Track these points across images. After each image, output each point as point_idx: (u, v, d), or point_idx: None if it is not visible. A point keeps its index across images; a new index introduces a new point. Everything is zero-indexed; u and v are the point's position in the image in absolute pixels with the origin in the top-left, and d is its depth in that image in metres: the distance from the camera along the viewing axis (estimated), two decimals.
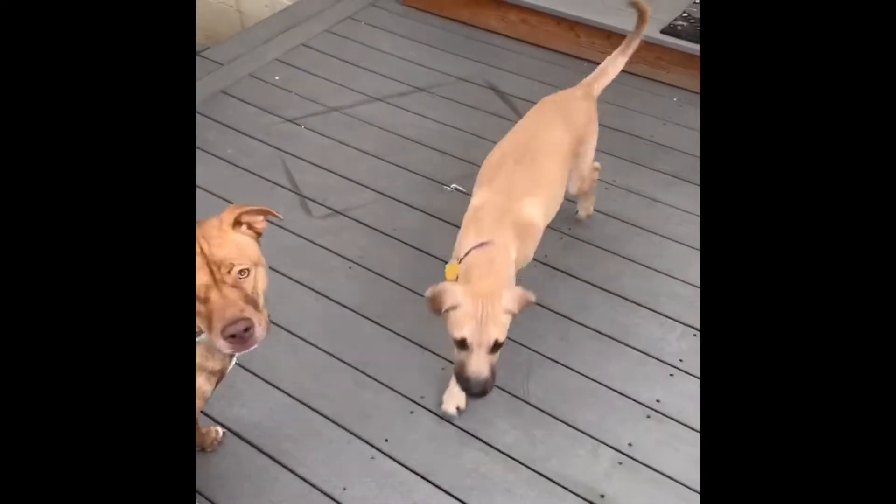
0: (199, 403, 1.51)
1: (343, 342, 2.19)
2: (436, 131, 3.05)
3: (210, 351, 1.45)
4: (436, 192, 2.75)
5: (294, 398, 2.03)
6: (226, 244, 1.34)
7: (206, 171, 2.81)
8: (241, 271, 1.33)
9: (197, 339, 1.40)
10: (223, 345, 1.30)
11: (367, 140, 3.00)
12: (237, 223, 1.40)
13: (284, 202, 2.69)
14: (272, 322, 2.19)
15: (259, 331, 1.31)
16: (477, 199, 1.94)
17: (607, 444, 1.92)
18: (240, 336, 1.28)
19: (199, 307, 1.31)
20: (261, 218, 1.45)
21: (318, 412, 2.00)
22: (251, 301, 1.33)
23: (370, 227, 2.60)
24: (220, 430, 1.93)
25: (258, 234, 1.45)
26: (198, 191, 2.72)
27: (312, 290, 2.36)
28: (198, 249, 1.30)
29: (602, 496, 1.81)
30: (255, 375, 2.08)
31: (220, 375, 1.54)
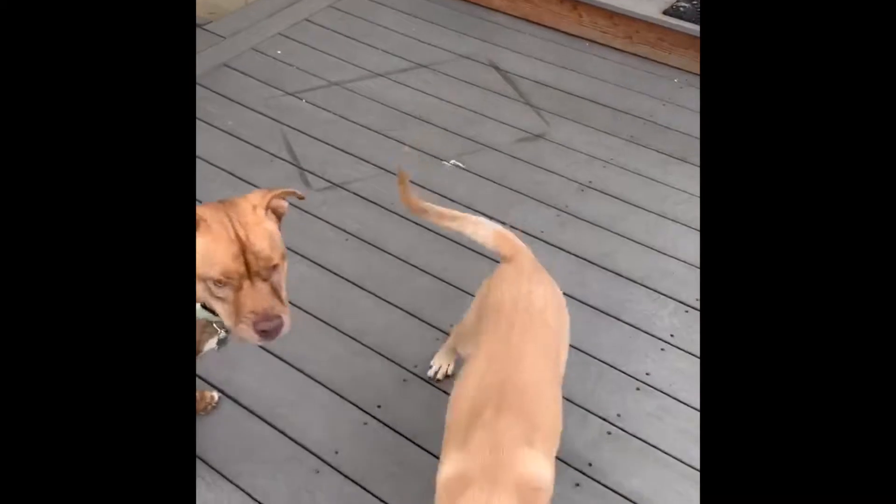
0: None
1: (339, 311, 2.21)
2: (436, 108, 3.06)
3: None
4: (435, 168, 2.77)
5: (289, 364, 2.06)
6: (262, 235, 1.33)
7: (207, 143, 2.83)
8: (273, 266, 1.33)
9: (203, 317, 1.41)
10: (252, 336, 1.31)
11: (367, 114, 3.01)
12: (267, 207, 1.39)
13: (284, 174, 2.71)
14: None
15: (287, 326, 1.34)
16: (449, 467, 1.33)
17: (596, 415, 1.95)
18: (271, 331, 1.31)
19: (227, 293, 1.30)
20: (286, 204, 1.45)
21: (312, 378, 2.02)
22: (278, 294, 1.34)
23: (368, 201, 2.62)
24: (216, 394, 1.95)
25: (280, 218, 1.44)
26: (199, 162, 2.74)
27: (309, 259, 2.38)
28: (234, 235, 1.29)
29: (590, 464, 1.84)
30: None
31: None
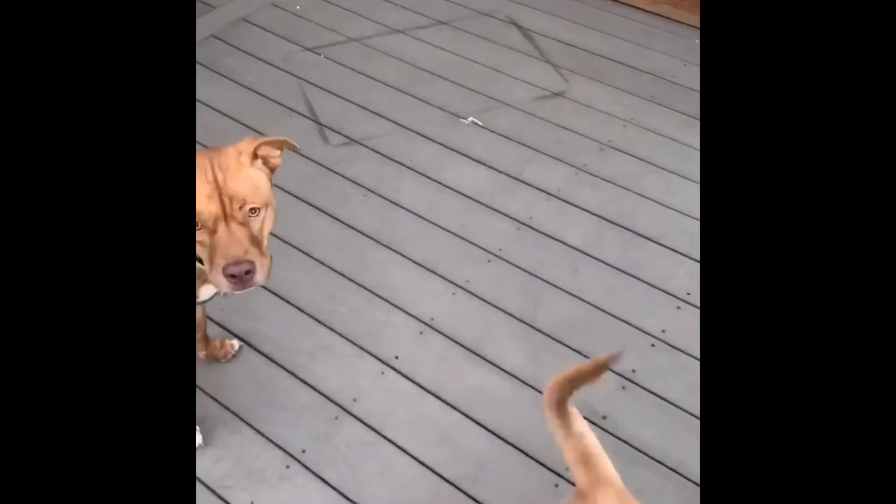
0: None
1: (356, 265, 2.23)
2: (455, 65, 3.04)
3: None
4: (452, 125, 2.76)
5: (308, 315, 2.09)
6: (242, 178, 1.31)
7: (226, 97, 2.83)
8: (252, 209, 1.30)
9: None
10: (222, 283, 1.28)
11: (386, 71, 3.00)
12: (254, 156, 1.36)
13: (302, 130, 2.71)
14: (287, 243, 2.27)
15: (260, 275, 1.29)
16: None
17: (611, 369, 1.97)
18: (240, 277, 1.26)
19: (204, 237, 1.28)
20: (277, 152, 1.41)
21: (331, 329, 2.05)
22: (256, 242, 1.30)
23: (386, 157, 2.62)
24: (237, 342, 1.99)
25: (272, 171, 1.41)
26: (217, 116, 2.75)
27: (327, 214, 2.40)
28: (212, 177, 1.27)
29: (604, 417, 1.86)
30: (271, 292, 2.14)
31: None
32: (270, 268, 1.35)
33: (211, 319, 2.02)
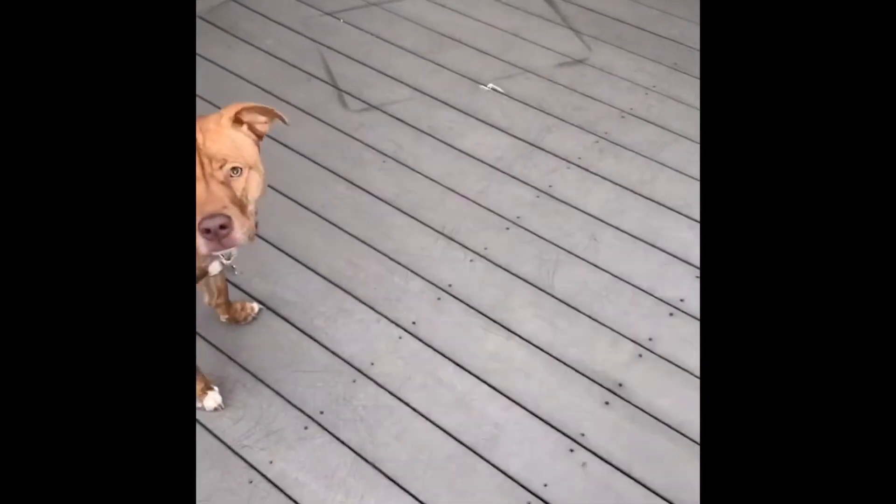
0: None
1: (375, 231, 2.24)
2: (475, 30, 3.01)
3: None
4: (472, 92, 2.73)
5: (327, 279, 2.10)
6: (221, 139, 1.30)
7: (245, 61, 2.83)
8: (233, 169, 1.29)
9: None
10: (199, 241, 1.24)
11: (405, 36, 2.97)
12: (238, 121, 1.35)
13: (321, 95, 2.70)
14: (305, 207, 2.28)
15: (238, 233, 1.26)
16: None
17: (628, 338, 1.97)
18: (215, 232, 1.23)
19: None
20: (263, 119, 1.39)
21: (349, 293, 2.07)
22: (238, 202, 1.28)
23: (405, 123, 2.61)
24: (256, 305, 2.01)
25: (259, 137, 1.39)
26: (236, 80, 2.75)
27: (346, 180, 2.40)
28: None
29: (620, 384, 1.87)
30: (289, 256, 2.15)
31: (198, 272, 1.51)
32: (254, 231, 1.33)
33: (231, 283, 2.04)
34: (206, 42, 2.91)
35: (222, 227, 1.23)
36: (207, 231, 1.23)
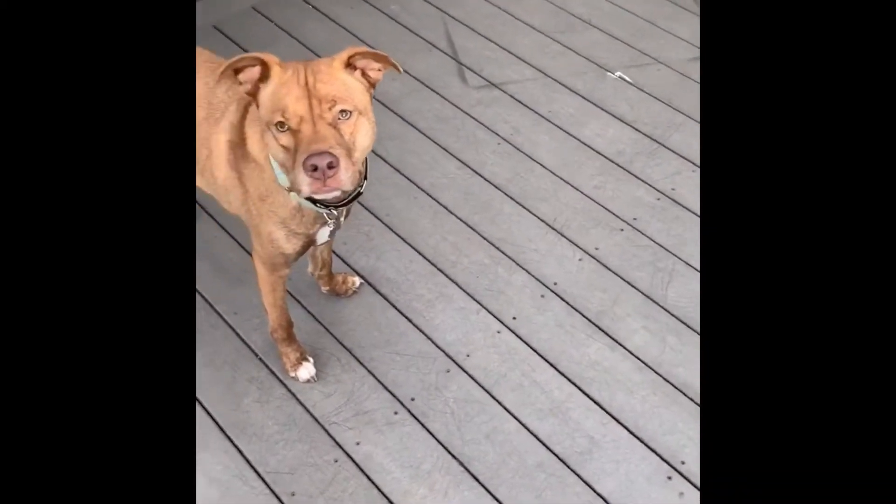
0: (277, 259, 1.53)
1: (482, 216, 2.16)
2: (608, 13, 2.85)
3: (298, 211, 1.43)
4: (598, 79, 2.60)
5: (429, 261, 2.05)
6: (332, 81, 1.26)
7: (368, 24, 2.78)
8: (342, 112, 1.25)
9: (279, 182, 1.38)
10: (303, 179, 1.21)
11: (534, 13, 2.84)
12: (351, 65, 1.31)
13: (441, 66, 2.63)
14: (414, 184, 2.22)
15: (344, 174, 1.21)
16: None
17: (667, 311, 1.83)
18: (322, 170, 1.19)
19: (288, 140, 1.24)
20: (377, 66, 1.33)
21: (450, 279, 2.01)
22: (345, 146, 1.24)
23: (524, 105, 2.51)
24: (358, 279, 1.98)
25: (372, 85, 1.35)
26: (355, 41, 2.70)
27: (458, 159, 2.33)
28: (303, 81, 1.24)
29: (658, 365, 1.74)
30: (394, 232, 2.11)
31: (305, 240, 1.50)
32: (360, 180, 1.29)
33: (335, 253, 2.01)
34: (331, 1, 2.88)
35: (329, 165, 1.19)
36: (315, 169, 1.19)
